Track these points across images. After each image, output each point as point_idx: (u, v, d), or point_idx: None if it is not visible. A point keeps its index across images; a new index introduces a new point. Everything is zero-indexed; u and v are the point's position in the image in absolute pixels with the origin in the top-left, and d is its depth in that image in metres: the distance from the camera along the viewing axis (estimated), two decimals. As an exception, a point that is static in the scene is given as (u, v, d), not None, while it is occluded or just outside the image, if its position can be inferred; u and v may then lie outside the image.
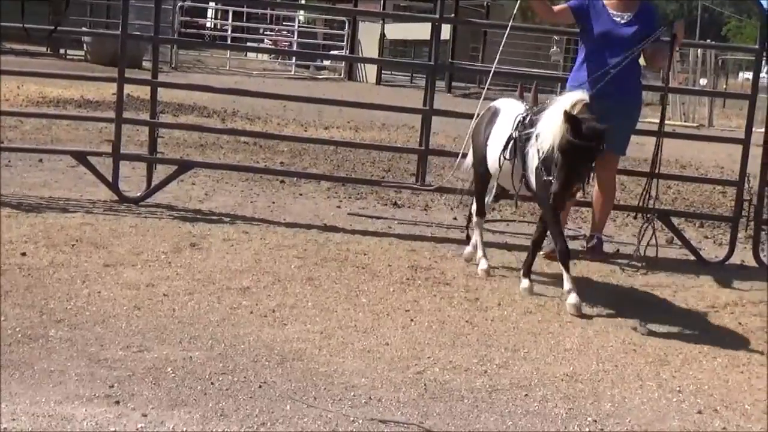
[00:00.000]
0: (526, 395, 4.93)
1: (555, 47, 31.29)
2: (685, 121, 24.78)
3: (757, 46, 8.95)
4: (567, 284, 6.58)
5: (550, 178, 6.34)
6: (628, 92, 7.75)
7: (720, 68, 30.41)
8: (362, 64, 31.93)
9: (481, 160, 7.43)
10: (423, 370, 5.17)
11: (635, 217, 8.59)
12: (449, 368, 5.23)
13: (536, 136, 6.53)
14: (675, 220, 8.95)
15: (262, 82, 26.04)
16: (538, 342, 5.86)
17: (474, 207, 7.70)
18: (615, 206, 10.60)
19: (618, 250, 8.59)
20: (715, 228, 10.10)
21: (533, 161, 6.65)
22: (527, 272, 6.95)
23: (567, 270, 6.59)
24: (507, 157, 6.95)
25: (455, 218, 9.65)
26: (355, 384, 4.87)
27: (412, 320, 6.06)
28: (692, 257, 8.54)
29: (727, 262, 8.50)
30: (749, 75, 9.31)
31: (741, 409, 5.00)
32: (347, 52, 31.38)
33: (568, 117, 6.12)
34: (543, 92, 29.88)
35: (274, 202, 9.59)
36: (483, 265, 7.34)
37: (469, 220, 7.96)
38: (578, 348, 5.80)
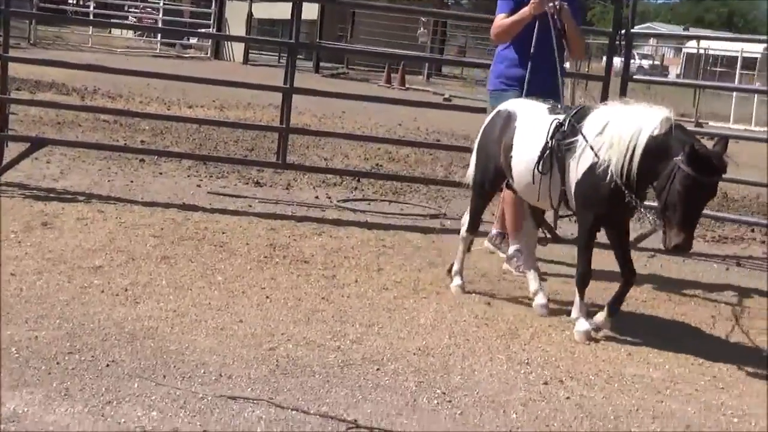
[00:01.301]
0: (378, 369, 4.97)
1: (422, 29, 31.54)
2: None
3: (610, 30, 9.24)
4: (576, 311, 5.94)
5: (652, 216, 5.64)
6: (556, 85, 7.03)
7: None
8: (229, 43, 31.62)
9: (493, 174, 6.44)
10: (276, 346, 5.16)
11: None
12: (302, 344, 5.23)
13: (591, 148, 5.63)
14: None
15: (126, 59, 25.53)
16: (392, 318, 5.91)
17: (467, 220, 6.74)
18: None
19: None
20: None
21: (575, 174, 5.78)
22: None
23: (581, 297, 5.92)
24: (542, 170, 5.96)
25: (317, 197, 9.65)
26: (206, 361, 4.83)
27: (267, 298, 6.04)
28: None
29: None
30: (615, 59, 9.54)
31: (585, 379, 5.15)
32: (214, 30, 31.01)
33: (694, 155, 5.10)
34: (410, 73, 30.23)
35: (132, 181, 9.43)
36: (457, 281, 6.63)
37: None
38: (432, 323, 5.87)
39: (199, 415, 4.18)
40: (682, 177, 5.15)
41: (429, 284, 6.73)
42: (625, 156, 5.42)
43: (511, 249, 7.37)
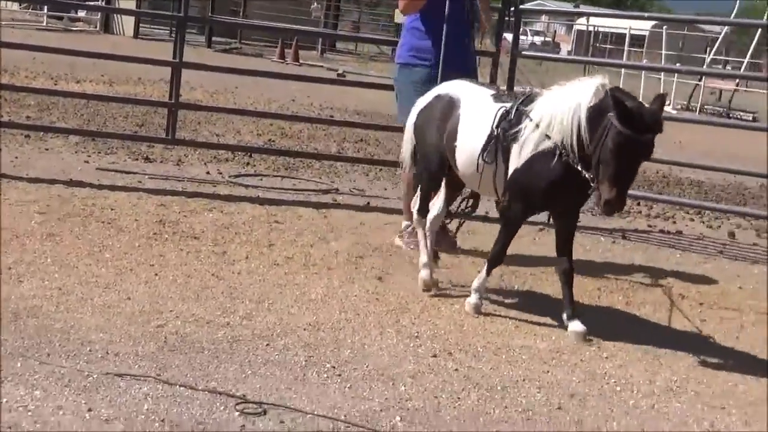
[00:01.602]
0: (268, 345, 4.96)
1: (316, 4, 31.38)
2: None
3: (500, 6, 9.33)
4: (476, 282, 5.92)
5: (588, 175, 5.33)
6: (472, 57, 7.18)
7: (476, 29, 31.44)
8: (119, 17, 30.98)
9: (437, 161, 6.20)
10: (164, 323, 5.11)
11: None
12: (191, 321, 5.19)
13: (538, 127, 5.52)
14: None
15: (11, 32, 24.80)
16: (283, 293, 5.90)
17: (417, 205, 6.50)
18: (372, 161, 10.86)
19: (369, 203, 8.78)
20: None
21: (516, 162, 5.66)
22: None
23: (488, 273, 5.92)
24: (488, 159, 5.81)
25: (208, 173, 9.55)
26: (92, 339, 4.76)
27: (156, 275, 5.97)
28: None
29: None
30: (508, 36, 9.59)
31: (473, 351, 5.22)
32: (103, 3, 30.34)
33: (625, 111, 5.02)
34: (304, 48, 30.08)
35: (17, 157, 9.18)
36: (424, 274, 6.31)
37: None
38: (323, 298, 5.89)
39: (85, 393, 4.11)
40: (614, 134, 5.05)
41: (320, 260, 6.73)
42: (570, 135, 5.33)
43: (404, 224, 7.40)
